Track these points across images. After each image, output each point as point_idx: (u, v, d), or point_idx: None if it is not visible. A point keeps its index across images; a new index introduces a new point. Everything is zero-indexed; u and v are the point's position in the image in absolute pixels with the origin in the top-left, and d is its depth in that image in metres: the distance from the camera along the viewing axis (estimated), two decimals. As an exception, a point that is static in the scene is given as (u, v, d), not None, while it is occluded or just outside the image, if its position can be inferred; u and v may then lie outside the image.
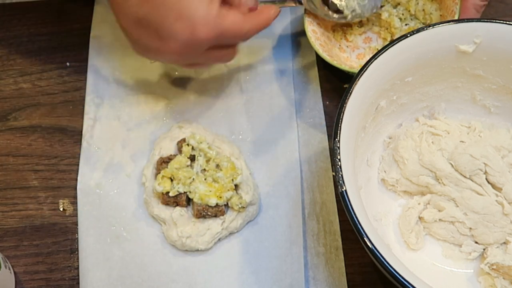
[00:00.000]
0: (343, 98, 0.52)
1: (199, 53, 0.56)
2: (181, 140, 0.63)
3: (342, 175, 0.49)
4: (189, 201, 0.60)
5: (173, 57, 0.56)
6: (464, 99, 0.64)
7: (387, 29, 0.72)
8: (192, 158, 0.62)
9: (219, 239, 0.60)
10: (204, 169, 0.61)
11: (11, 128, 0.68)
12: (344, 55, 0.72)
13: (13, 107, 0.69)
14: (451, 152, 0.60)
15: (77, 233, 0.61)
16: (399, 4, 0.72)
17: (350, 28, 0.73)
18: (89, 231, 0.60)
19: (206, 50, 0.56)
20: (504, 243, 0.58)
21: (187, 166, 0.61)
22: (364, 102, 0.55)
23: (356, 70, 0.64)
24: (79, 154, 0.65)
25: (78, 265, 0.59)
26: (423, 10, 0.71)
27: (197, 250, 0.59)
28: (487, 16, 0.66)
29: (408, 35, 0.56)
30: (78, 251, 0.60)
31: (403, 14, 0.72)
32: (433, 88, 0.63)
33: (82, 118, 0.67)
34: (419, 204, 0.60)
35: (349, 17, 0.68)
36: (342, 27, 0.73)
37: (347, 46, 0.73)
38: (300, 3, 0.67)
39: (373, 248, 0.46)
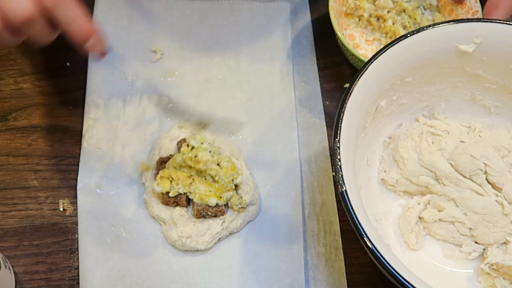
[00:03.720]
0: (343, 98, 0.52)
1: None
2: (181, 140, 0.63)
3: (342, 175, 0.49)
4: (189, 201, 0.60)
5: None
6: (464, 99, 0.64)
7: (390, 38, 0.72)
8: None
9: (219, 239, 0.60)
10: (204, 169, 0.61)
11: (11, 128, 0.68)
12: (355, 41, 0.73)
13: (13, 107, 0.69)
14: (451, 152, 0.60)
15: (77, 233, 0.61)
16: (404, 11, 0.72)
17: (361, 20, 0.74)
18: (89, 231, 0.60)
19: None
20: (504, 243, 0.58)
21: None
22: (364, 102, 0.55)
23: (364, 57, 0.64)
24: (79, 154, 0.65)
25: (78, 265, 0.59)
26: (433, 20, 0.71)
27: (197, 250, 0.59)
28: (487, 16, 0.66)
29: (408, 35, 0.56)
30: (78, 251, 0.60)
31: (408, 23, 0.71)
32: (433, 88, 0.63)
33: (82, 118, 0.67)
34: (419, 204, 0.60)
35: None
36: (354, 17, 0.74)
37: (359, 33, 0.74)
38: None
39: (373, 248, 0.46)
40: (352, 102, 0.53)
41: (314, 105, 0.69)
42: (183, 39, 0.73)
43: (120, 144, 0.66)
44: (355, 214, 0.47)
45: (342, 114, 0.52)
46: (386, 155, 0.63)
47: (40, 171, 0.65)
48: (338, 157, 0.49)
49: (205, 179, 0.60)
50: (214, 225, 0.59)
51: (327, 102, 0.69)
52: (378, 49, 0.56)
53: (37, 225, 0.62)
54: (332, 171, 0.50)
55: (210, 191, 0.59)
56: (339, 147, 0.50)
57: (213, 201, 0.58)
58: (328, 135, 0.67)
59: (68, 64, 0.72)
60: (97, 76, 0.70)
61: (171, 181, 0.60)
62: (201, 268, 0.59)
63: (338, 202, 0.62)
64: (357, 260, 0.60)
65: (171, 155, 0.62)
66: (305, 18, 0.75)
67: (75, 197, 0.62)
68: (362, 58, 0.65)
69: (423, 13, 0.72)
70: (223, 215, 0.59)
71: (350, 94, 0.53)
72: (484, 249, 0.58)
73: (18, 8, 0.50)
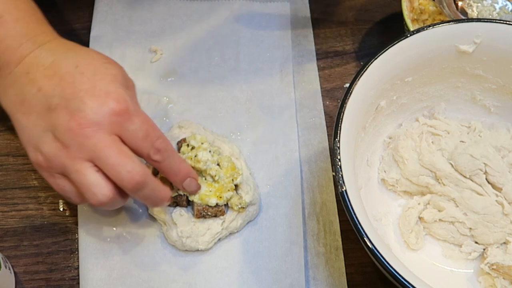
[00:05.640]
0: (343, 98, 0.52)
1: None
2: (181, 140, 0.63)
3: (342, 175, 0.49)
4: (189, 201, 0.60)
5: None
6: (464, 99, 0.64)
7: None
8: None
9: (219, 239, 0.60)
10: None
11: (11, 128, 0.67)
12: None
13: (13, 107, 0.69)
14: (451, 152, 0.60)
15: (77, 233, 0.61)
16: None
17: None
18: (89, 231, 0.60)
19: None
20: (504, 243, 0.58)
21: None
22: (364, 102, 0.55)
23: None
24: (79, 154, 0.65)
25: (78, 265, 0.59)
26: None
27: (197, 250, 0.59)
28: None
29: (408, 35, 0.56)
30: (78, 251, 0.60)
31: None
32: (433, 88, 0.63)
33: (82, 118, 0.67)
34: (419, 204, 0.60)
35: None
36: None
37: None
38: None
39: (373, 248, 0.46)
40: (352, 102, 0.53)
41: (314, 105, 0.69)
42: (183, 39, 0.73)
43: (120, 144, 0.66)
44: (355, 214, 0.47)
45: (342, 114, 0.52)
46: (386, 155, 0.63)
47: (40, 171, 0.65)
48: (338, 157, 0.49)
49: (205, 179, 0.60)
50: (214, 225, 0.59)
51: (327, 102, 0.69)
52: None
53: (37, 225, 0.62)
54: (332, 171, 0.50)
55: (210, 191, 0.59)
56: (339, 147, 0.50)
57: (213, 201, 0.58)
58: (328, 135, 0.67)
59: (68, 64, 0.72)
60: (97, 76, 0.70)
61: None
62: (201, 268, 0.59)
63: (338, 202, 0.62)
64: (357, 260, 0.60)
65: (171, 155, 0.62)
66: (305, 18, 0.75)
67: (75, 197, 0.62)
68: None
69: None
70: (223, 215, 0.59)
71: (350, 94, 0.53)
72: (484, 249, 0.58)
73: (132, 172, 0.49)
